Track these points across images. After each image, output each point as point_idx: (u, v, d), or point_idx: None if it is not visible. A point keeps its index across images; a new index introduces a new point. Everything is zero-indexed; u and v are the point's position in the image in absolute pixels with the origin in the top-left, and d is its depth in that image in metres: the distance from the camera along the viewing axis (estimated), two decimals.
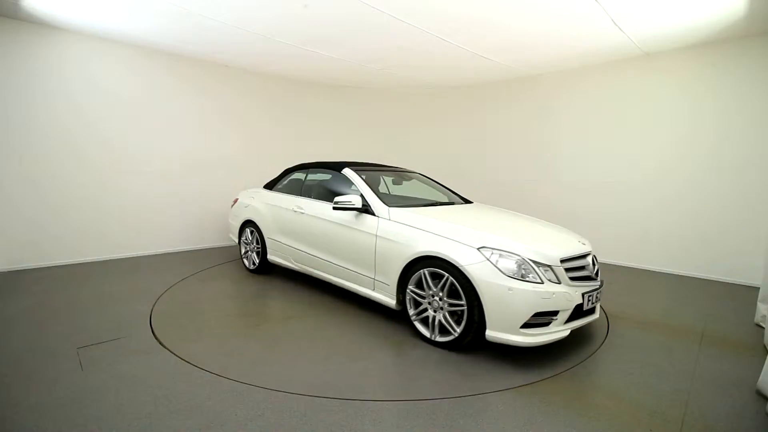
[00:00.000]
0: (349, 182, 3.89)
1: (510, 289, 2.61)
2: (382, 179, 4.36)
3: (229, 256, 5.81)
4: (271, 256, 4.61)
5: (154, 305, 3.72)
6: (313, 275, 4.11)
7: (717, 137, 4.83)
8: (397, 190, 4.46)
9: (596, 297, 2.99)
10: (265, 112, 6.89)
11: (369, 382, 2.48)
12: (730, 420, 2.17)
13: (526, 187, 6.55)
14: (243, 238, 5.00)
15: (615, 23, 4.16)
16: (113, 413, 2.11)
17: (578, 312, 2.85)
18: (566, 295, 2.73)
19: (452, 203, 4.11)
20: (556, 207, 6.21)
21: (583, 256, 3.01)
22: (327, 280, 3.95)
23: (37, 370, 2.54)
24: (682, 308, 3.93)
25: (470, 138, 7.27)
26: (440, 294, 2.90)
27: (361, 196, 3.63)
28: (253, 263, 4.83)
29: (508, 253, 2.73)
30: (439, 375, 2.58)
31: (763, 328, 3.33)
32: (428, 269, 2.96)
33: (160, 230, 5.83)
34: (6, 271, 4.67)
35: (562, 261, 2.81)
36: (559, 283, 2.75)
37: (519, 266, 2.69)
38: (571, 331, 2.84)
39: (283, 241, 4.41)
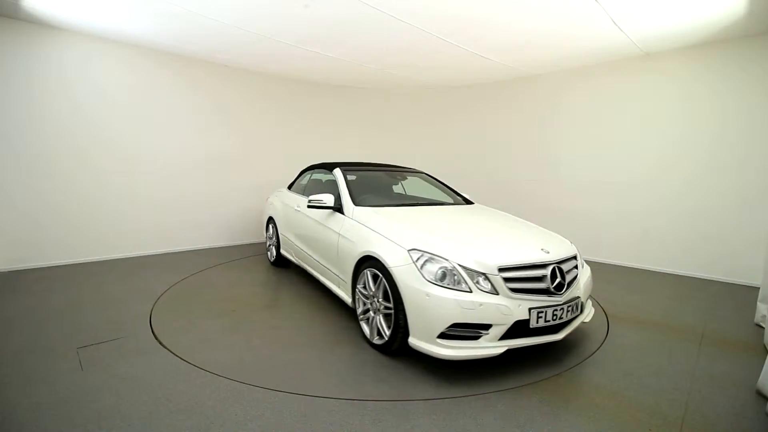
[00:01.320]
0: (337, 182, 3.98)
1: (427, 294, 2.43)
2: (411, 180, 4.54)
3: (230, 255, 5.81)
4: (282, 251, 4.97)
5: (154, 305, 3.72)
6: (306, 270, 4.29)
7: (717, 137, 4.83)
8: (396, 189, 4.51)
9: (559, 314, 2.60)
10: (265, 111, 6.89)
11: (291, 373, 2.56)
12: (730, 420, 2.17)
13: (526, 187, 6.55)
14: (267, 233, 5.43)
15: (615, 23, 4.16)
16: (113, 413, 2.11)
17: (527, 329, 2.51)
18: (500, 307, 2.43)
19: (442, 203, 4.03)
20: (556, 207, 6.21)
21: (539, 266, 2.62)
22: (313, 275, 4.12)
23: (37, 370, 2.54)
24: (682, 308, 3.93)
25: (470, 138, 7.27)
26: (379, 295, 2.82)
27: (338, 195, 3.70)
28: (272, 256, 5.23)
29: (437, 257, 2.55)
30: (362, 373, 2.58)
31: (763, 328, 3.33)
32: (370, 269, 2.90)
33: (160, 230, 5.83)
34: (6, 271, 4.67)
35: (501, 269, 2.50)
36: (497, 293, 2.47)
37: (444, 271, 2.48)
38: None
39: (289, 237, 4.69)
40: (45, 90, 4.81)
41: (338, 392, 2.35)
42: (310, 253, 4.06)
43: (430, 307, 2.43)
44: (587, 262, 5.68)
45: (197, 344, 2.94)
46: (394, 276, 2.62)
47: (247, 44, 5.12)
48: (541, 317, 2.53)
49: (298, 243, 4.38)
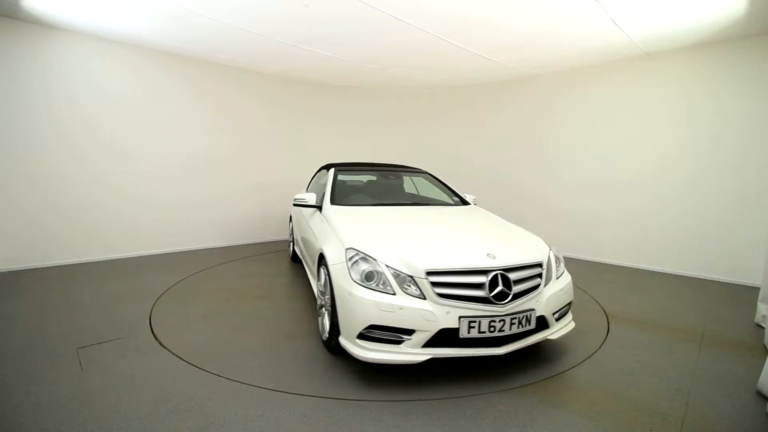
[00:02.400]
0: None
1: (350, 294, 2.41)
2: (411, 180, 4.57)
3: (230, 256, 5.81)
4: (294, 247, 5.30)
5: (154, 305, 3.72)
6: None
7: (716, 137, 4.83)
8: (395, 189, 4.45)
9: (498, 326, 2.36)
10: (265, 111, 6.89)
11: (239, 362, 2.63)
12: (730, 420, 2.17)
13: (527, 187, 6.56)
14: (290, 231, 5.78)
15: (615, 23, 4.16)
16: (113, 413, 2.11)
17: (457, 338, 2.35)
18: (424, 312, 2.31)
19: (431, 204, 3.94)
20: (556, 206, 6.22)
21: (476, 272, 2.42)
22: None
23: (37, 370, 2.54)
24: (682, 308, 3.93)
25: (470, 138, 7.27)
26: (327, 292, 2.80)
27: (323, 194, 3.80)
28: (290, 252, 5.61)
29: (368, 257, 2.50)
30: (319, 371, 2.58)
31: (763, 328, 3.34)
32: (323, 266, 2.90)
33: (160, 230, 5.83)
34: (6, 271, 4.67)
35: (429, 273, 2.38)
36: (425, 298, 2.36)
37: (372, 272, 2.43)
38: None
39: (295, 235, 5.04)
40: (45, 90, 4.81)
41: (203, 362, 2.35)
42: (302, 248, 4.40)
43: (351, 307, 2.40)
44: (587, 262, 5.74)
45: (197, 344, 2.94)
46: (330, 273, 2.66)
47: (247, 44, 5.12)
48: (473, 327, 2.33)
49: (299, 240, 4.69)
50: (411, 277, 2.40)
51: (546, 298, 2.60)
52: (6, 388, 2.34)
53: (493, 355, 2.40)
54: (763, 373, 2.38)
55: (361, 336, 2.38)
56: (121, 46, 5.29)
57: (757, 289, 3.69)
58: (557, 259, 2.94)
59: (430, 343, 2.35)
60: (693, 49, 4.89)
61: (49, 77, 4.83)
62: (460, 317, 2.33)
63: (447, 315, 2.32)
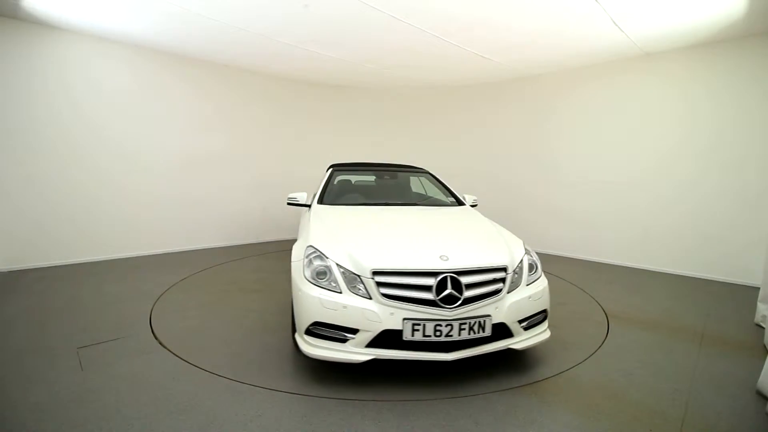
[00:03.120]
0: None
1: (300, 290, 2.45)
2: (409, 180, 4.51)
3: (230, 255, 5.81)
4: None
5: (154, 305, 3.72)
6: None
7: (716, 137, 4.83)
8: (391, 189, 4.41)
9: (445, 331, 2.27)
10: (265, 111, 6.90)
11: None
12: (730, 420, 2.17)
13: (527, 187, 6.56)
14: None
15: (615, 23, 4.16)
16: (113, 413, 2.11)
17: (401, 341, 2.29)
18: (367, 312, 2.28)
19: (418, 204, 3.84)
20: (556, 207, 6.22)
21: (425, 274, 2.35)
22: None
23: (37, 370, 2.54)
24: (682, 308, 3.93)
25: (471, 138, 7.27)
26: None
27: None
28: None
29: (323, 255, 2.52)
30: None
31: (763, 328, 3.33)
32: None
33: (160, 230, 5.83)
34: (6, 271, 4.67)
35: (375, 273, 2.35)
36: (370, 298, 2.34)
37: (324, 269, 2.45)
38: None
39: None
40: (45, 90, 4.82)
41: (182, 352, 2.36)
42: None
43: (301, 303, 2.43)
44: (587, 261, 5.74)
45: (197, 344, 2.94)
46: (291, 270, 2.69)
47: (247, 44, 5.12)
48: (417, 330, 2.26)
49: None
50: (358, 276, 2.38)
51: (508, 305, 2.46)
52: (6, 388, 2.34)
53: (439, 360, 2.30)
54: (763, 373, 2.38)
55: (309, 332, 2.40)
56: (121, 46, 5.29)
57: (757, 289, 3.69)
58: (533, 265, 2.74)
59: (374, 344, 2.32)
60: (693, 49, 4.89)
61: (49, 77, 4.83)
62: (404, 319, 2.27)
63: (391, 316, 2.28)
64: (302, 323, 2.42)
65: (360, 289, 2.36)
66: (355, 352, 2.32)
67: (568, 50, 5.10)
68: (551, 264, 5.62)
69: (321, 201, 3.69)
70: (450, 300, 2.30)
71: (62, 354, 2.74)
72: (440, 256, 2.44)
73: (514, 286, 2.56)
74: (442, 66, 5.91)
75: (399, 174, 4.53)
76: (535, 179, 6.46)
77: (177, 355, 2.77)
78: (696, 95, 4.95)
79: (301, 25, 4.44)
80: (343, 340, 2.33)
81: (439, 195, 4.18)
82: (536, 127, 6.42)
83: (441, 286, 2.32)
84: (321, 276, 2.44)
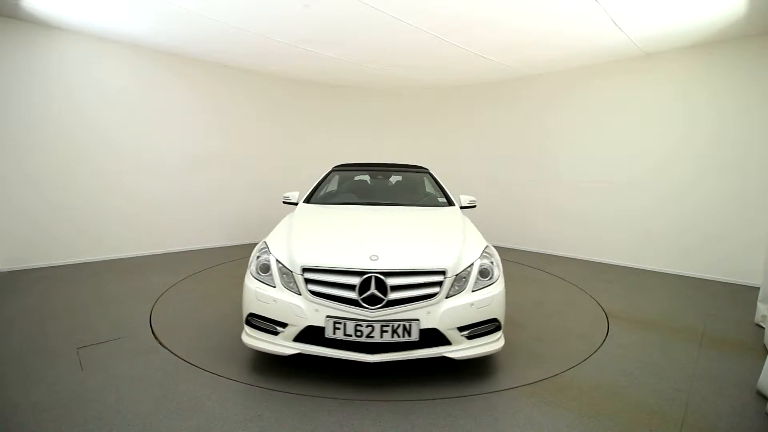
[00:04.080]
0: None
1: (244, 283, 2.59)
2: (406, 180, 4.48)
3: (230, 255, 5.81)
4: None
5: (154, 305, 3.72)
6: None
7: (716, 137, 4.84)
8: (383, 188, 4.42)
9: (366, 332, 2.25)
10: (265, 111, 6.90)
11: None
12: (730, 420, 2.17)
13: (527, 187, 6.56)
14: None
15: (615, 23, 4.16)
16: (113, 413, 2.11)
17: (328, 338, 2.30)
18: (293, 307, 2.35)
19: (403, 204, 3.75)
20: (556, 207, 6.22)
21: (350, 273, 2.34)
22: None
23: (37, 370, 2.54)
24: (682, 308, 3.93)
25: (470, 138, 7.27)
26: None
27: None
28: None
29: (268, 250, 2.63)
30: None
31: (763, 328, 3.33)
32: None
33: (160, 230, 5.84)
34: (6, 271, 4.67)
35: (305, 270, 2.40)
36: (300, 294, 2.40)
37: (266, 264, 2.56)
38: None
39: None
40: (45, 90, 4.82)
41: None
42: None
43: (243, 295, 2.56)
44: (587, 261, 5.73)
45: (197, 344, 2.94)
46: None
47: (247, 44, 5.12)
48: (338, 329, 2.28)
49: None
50: (291, 272, 2.45)
51: (444, 311, 2.34)
52: (6, 388, 2.34)
53: (361, 361, 2.28)
54: (763, 373, 2.38)
55: (248, 323, 2.52)
56: (121, 46, 5.29)
57: (757, 289, 3.69)
58: (488, 271, 2.56)
59: (301, 338, 2.37)
60: (693, 49, 4.89)
61: (49, 77, 4.83)
62: (327, 317, 2.30)
63: (316, 313, 2.32)
64: (243, 314, 2.55)
65: (292, 285, 2.43)
66: (283, 345, 2.40)
67: (568, 50, 5.10)
68: (551, 264, 5.62)
69: (308, 200, 3.79)
70: (373, 301, 2.28)
71: (62, 354, 2.74)
72: (370, 256, 2.41)
73: (457, 291, 2.43)
74: (442, 66, 5.91)
75: (396, 174, 4.52)
76: (535, 179, 6.46)
77: (177, 355, 2.77)
78: (696, 95, 4.95)
79: (300, 25, 4.44)
80: (275, 333, 2.42)
81: (433, 195, 4.09)
82: (536, 127, 6.42)
83: (365, 286, 2.30)
84: (264, 270, 2.55)
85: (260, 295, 2.45)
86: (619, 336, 3.24)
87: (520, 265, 5.60)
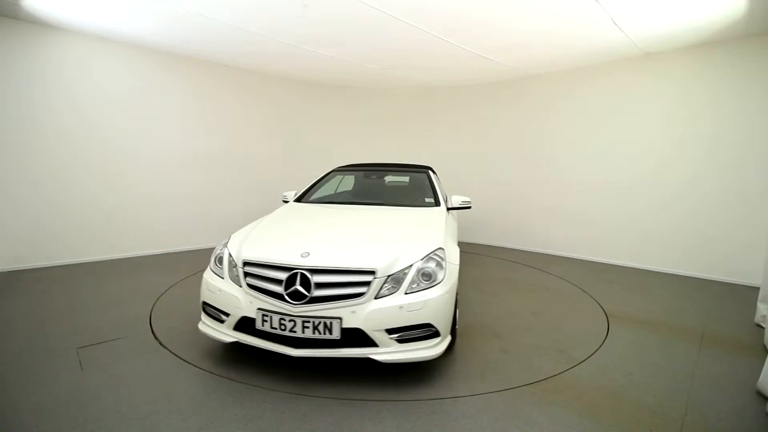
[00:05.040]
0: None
1: (203, 275, 2.77)
2: (403, 180, 4.58)
3: None
4: None
5: (154, 305, 3.72)
6: None
7: (716, 137, 4.83)
8: (375, 188, 4.45)
9: (289, 326, 2.31)
10: (265, 111, 6.89)
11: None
12: (730, 420, 2.17)
13: (527, 187, 6.55)
14: None
15: (615, 23, 4.16)
16: (113, 413, 2.11)
17: (259, 329, 2.39)
18: (232, 298, 2.49)
19: (388, 204, 3.74)
20: (556, 207, 6.21)
21: (280, 268, 2.43)
22: None
23: (37, 370, 2.54)
24: (682, 308, 3.93)
25: (470, 138, 7.26)
26: None
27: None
28: None
29: (225, 246, 2.81)
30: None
31: (763, 328, 3.34)
32: None
33: (160, 230, 5.83)
34: (6, 271, 4.67)
35: (245, 263, 2.54)
36: (240, 286, 2.52)
37: (221, 257, 2.75)
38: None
39: None
40: (45, 90, 4.81)
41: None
42: None
43: (201, 284, 2.76)
44: (587, 262, 5.73)
45: (197, 343, 2.94)
46: None
47: (247, 44, 5.12)
48: (266, 321, 2.37)
49: None
50: (236, 265, 2.59)
51: (370, 311, 2.32)
52: (6, 388, 2.34)
53: (284, 354, 2.35)
54: (763, 373, 2.38)
55: (204, 311, 2.72)
56: (120, 46, 5.29)
57: (757, 289, 3.69)
58: (430, 274, 2.48)
59: (239, 328, 2.51)
60: (693, 49, 4.89)
61: (49, 77, 4.83)
62: (257, 309, 2.40)
63: (250, 304, 2.44)
64: (201, 303, 2.73)
65: (237, 277, 2.56)
66: (225, 333, 2.56)
67: (568, 50, 5.09)
68: (551, 264, 5.62)
69: (299, 199, 3.98)
70: (298, 296, 2.35)
71: (62, 354, 2.74)
72: (302, 254, 2.48)
73: (390, 292, 2.39)
74: (442, 66, 5.90)
75: (394, 174, 4.52)
76: (535, 179, 6.45)
77: (177, 355, 2.77)
78: (696, 95, 4.95)
79: (300, 25, 4.44)
80: (221, 321, 2.58)
81: (425, 195, 4.02)
82: (536, 127, 6.42)
83: (291, 281, 2.37)
84: (219, 262, 2.73)
85: (210, 285, 2.64)
86: (619, 336, 3.24)
87: (520, 265, 5.60)
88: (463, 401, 2.29)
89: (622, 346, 3.05)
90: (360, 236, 2.86)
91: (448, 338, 2.55)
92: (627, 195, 5.53)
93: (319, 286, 2.36)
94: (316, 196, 4.10)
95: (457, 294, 2.75)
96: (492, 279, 4.90)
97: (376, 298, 2.37)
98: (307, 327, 2.31)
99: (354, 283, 2.37)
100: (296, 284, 2.36)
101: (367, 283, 2.37)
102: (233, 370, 2.58)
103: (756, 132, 4.59)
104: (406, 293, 2.40)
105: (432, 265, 2.53)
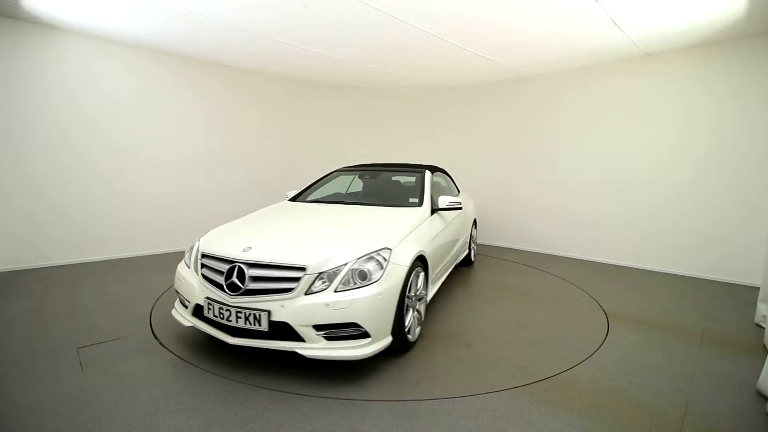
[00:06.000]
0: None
1: (178, 265, 3.03)
2: (399, 180, 4.54)
3: None
4: None
5: (154, 305, 3.72)
6: None
7: (717, 137, 4.83)
8: (369, 188, 4.51)
9: (225, 315, 2.46)
10: (265, 111, 6.89)
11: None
12: (730, 420, 2.17)
13: (527, 187, 6.55)
14: None
15: (615, 23, 4.16)
16: (113, 413, 2.11)
17: (206, 316, 2.60)
18: (192, 287, 2.73)
19: (375, 204, 3.74)
20: (556, 207, 6.21)
21: (223, 260, 2.61)
22: None
23: (37, 370, 2.54)
24: (682, 308, 3.93)
25: (470, 138, 7.26)
26: None
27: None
28: None
29: (199, 239, 3.06)
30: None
31: (763, 328, 3.34)
32: None
33: (160, 230, 5.83)
34: (6, 271, 4.67)
35: (203, 255, 2.80)
36: (198, 275, 2.77)
37: (192, 248, 2.99)
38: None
39: None
40: (45, 90, 4.81)
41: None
42: None
43: None
44: (587, 262, 5.73)
45: (197, 344, 2.94)
46: None
47: (247, 44, 5.12)
48: (210, 309, 2.57)
49: None
50: (198, 256, 2.84)
51: (298, 306, 2.37)
52: (6, 387, 2.34)
53: (222, 340, 2.52)
54: (763, 373, 2.38)
55: (178, 298, 2.97)
56: (120, 46, 5.29)
57: (757, 289, 3.69)
58: (365, 273, 2.48)
59: (196, 314, 2.73)
60: (693, 49, 4.88)
61: (49, 77, 4.83)
62: (205, 297, 2.60)
63: (201, 293, 2.65)
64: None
65: (197, 268, 2.80)
66: (185, 318, 2.79)
67: (568, 50, 5.09)
68: (551, 264, 5.62)
69: (295, 198, 4.14)
70: (235, 288, 2.49)
71: (62, 354, 2.74)
72: (244, 248, 2.64)
73: (321, 289, 2.42)
74: (442, 66, 5.90)
75: (391, 175, 4.50)
76: (536, 179, 6.45)
77: (177, 355, 2.77)
78: (696, 95, 4.95)
79: (300, 25, 4.44)
80: (186, 307, 2.80)
81: (411, 195, 3.94)
82: (536, 127, 6.42)
83: (230, 273, 2.54)
84: (190, 252, 2.99)
85: (179, 273, 2.90)
86: (619, 336, 3.24)
87: (519, 265, 5.60)
88: (462, 401, 2.29)
89: (622, 346, 3.05)
90: (311, 234, 2.93)
91: (386, 340, 2.54)
92: (627, 195, 5.52)
93: (255, 279, 2.48)
94: (311, 195, 4.20)
95: (415, 296, 2.87)
96: (490, 282, 4.90)
97: (306, 294, 2.42)
98: (240, 317, 2.44)
99: (285, 278, 2.45)
100: (233, 276, 2.52)
101: (297, 279, 2.43)
102: (233, 370, 2.58)
103: (756, 132, 4.59)
104: (335, 291, 2.43)
105: (369, 264, 2.53)
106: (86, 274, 4.69)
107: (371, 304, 2.42)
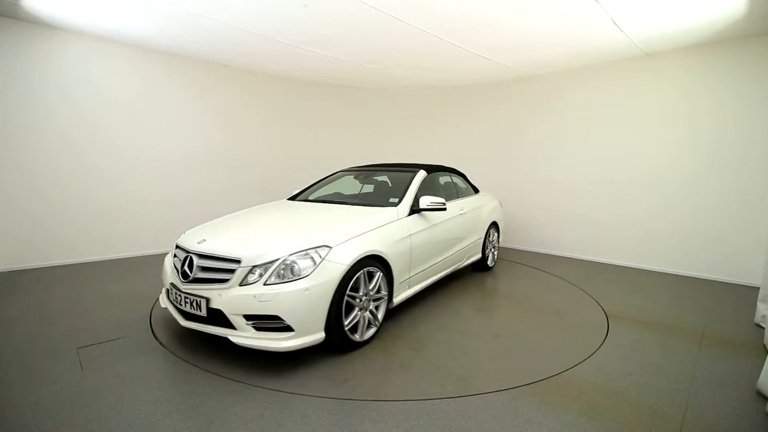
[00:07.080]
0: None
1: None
2: (395, 180, 4.37)
3: None
4: None
5: (154, 305, 3.72)
6: None
7: (717, 137, 4.83)
8: (366, 187, 4.57)
9: (179, 300, 2.76)
10: (265, 111, 6.89)
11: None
12: (730, 420, 2.17)
13: (526, 187, 6.55)
14: None
15: (615, 23, 4.16)
16: (113, 413, 2.11)
17: (170, 300, 2.97)
18: (167, 274, 3.08)
19: (361, 204, 3.75)
20: (556, 207, 6.21)
21: (183, 250, 2.96)
22: None
23: (37, 370, 2.54)
24: (682, 308, 3.93)
25: (471, 138, 7.26)
26: None
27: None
28: None
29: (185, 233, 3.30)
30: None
31: (763, 328, 3.34)
32: None
33: (160, 230, 5.82)
34: (6, 271, 4.67)
35: (176, 246, 3.11)
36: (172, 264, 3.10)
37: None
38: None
39: None
40: (44, 89, 4.81)
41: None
42: None
43: None
44: (587, 262, 5.73)
45: (197, 344, 2.94)
46: None
47: (247, 44, 5.12)
48: (170, 293, 2.92)
49: None
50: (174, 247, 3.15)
51: (232, 296, 2.53)
52: (6, 388, 2.34)
53: (177, 321, 2.81)
54: (763, 373, 2.38)
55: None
56: (120, 46, 5.29)
57: (757, 289, 3.69)
58: (294, 268, 2.56)
59: (168, 297, 3.04)
60: (693, 49, 4.88)
61: (49, 77, 4.83)
62: (170, 283, 2.91)
63: (169, 279, 2.97)
64: None
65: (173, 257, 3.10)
66: (162, 300, 3.13)
67: (568, 50, 5.09)
68: (551, 264, 5.62)
69: (293, 198, 4.31)
70: (185, 275, 2.77)
71: (62, 354, 2.75)
72: (198, 240, 2.93)
73: (254, 281, 2.55)
74: (442, 66, 5.90)
75: (382, 175, 4.48)
76: (535, 179, 6.45)
77: (177, 355, 2.77)
78: (696, 95, 4.95)
79: (300, 26, 4.44)
80: (165, 291, 3.12)
81: (393, 195, 3.86)
82: (536, 126, 6.42)
83: (184, 262, 2.83)
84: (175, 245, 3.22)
85: (165, 262, 3.18)
86: (619, 336, 3.24)
87: (519, 264, 5.60)
88: (462, 401, 2.29)
89: (622, 346, 3.05)
90: (266, 231, 3.11)
91: (315, 336, 2.57)
92: (627, 195, 5.52)
93: (203, 269, 2.73)
94: (311, 195, 4.33)
95: (366, 296, 2.89)
96: (488, 285, 4.90)
97: (241, 285, 2.57)
98: (188, 302, 2.71)
99: (223, 269, 2.65)
100: (185, 265, 2.81)
101: (233, 271, 2.60)
102: (234, 370, 2.58)
103: (756, 132, 4.59)
104: (265, 284, 2.54)
105: (302, 261, 2.61)
106: (86, 274, 4.69)
107: (296, 299, 2.50)
